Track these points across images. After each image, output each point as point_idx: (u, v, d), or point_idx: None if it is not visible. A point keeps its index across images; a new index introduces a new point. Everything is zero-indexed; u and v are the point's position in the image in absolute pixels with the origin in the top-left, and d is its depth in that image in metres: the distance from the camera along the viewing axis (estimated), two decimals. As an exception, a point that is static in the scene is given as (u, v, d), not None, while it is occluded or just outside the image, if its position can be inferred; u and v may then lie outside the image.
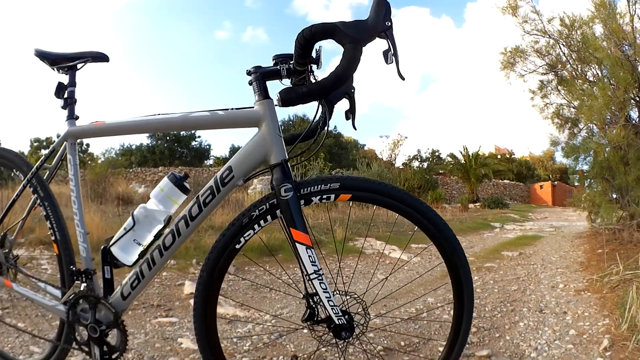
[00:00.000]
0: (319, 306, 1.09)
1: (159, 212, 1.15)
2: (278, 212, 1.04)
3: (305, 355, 1.73)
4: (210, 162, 25.07)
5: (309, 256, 1.00)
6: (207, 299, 1.09)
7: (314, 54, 1.01)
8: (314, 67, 1.05)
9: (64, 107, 1.31)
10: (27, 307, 2.13)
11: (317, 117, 1.05)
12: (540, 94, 5.26)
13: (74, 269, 1.26)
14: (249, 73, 1.08)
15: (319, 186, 1.04)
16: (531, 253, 4.49)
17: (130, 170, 18.96)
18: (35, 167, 1.35)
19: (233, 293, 2.77)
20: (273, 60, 1.09)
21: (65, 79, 1.33)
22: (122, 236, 1.15)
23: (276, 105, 1.01)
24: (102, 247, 1.18)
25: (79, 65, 1.34)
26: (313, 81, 1.05)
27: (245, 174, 1.06)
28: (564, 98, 5.20)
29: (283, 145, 1.05)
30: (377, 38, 0.93)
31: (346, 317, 1.06)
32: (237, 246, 1.06)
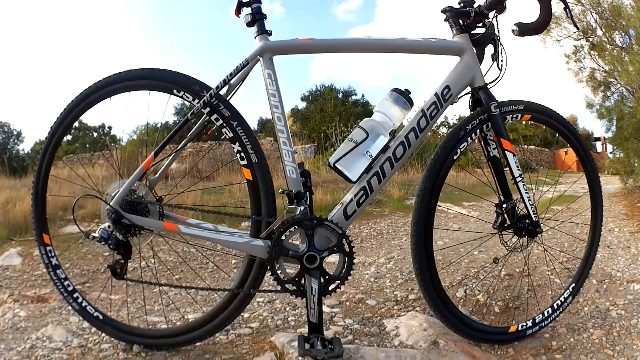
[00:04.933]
0: (506, 214, 1.27)
1: (386, 124, 1.16)
2: (484, 127, 1.22)
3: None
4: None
5: (515, 162, 1.21)
6: (428, 207, 1.18)
7: None
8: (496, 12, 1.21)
9: (250, 24, 1.20)
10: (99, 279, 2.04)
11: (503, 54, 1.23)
12: (575, 58, 5.41)
13: (284, 192, 1.11)
14: (443, 11, 1.24)
15: (511, 107, 1.25)
16: (577, 207, 4.72)
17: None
18: (220, 82, 1.15)
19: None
20: (460, 3, 1.25)
21: None
22: (351, 149, 1.11)
23: (514, 34, 1.19)
24: (300, 170, 1.12)
25: None
26: (494, 23, 1.22)
27: (457, 93, 1.22)
28: (597, 63, 5.37)
29: (482, 72, 1.23)
30: None
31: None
32: (455, 157, 1.19)
